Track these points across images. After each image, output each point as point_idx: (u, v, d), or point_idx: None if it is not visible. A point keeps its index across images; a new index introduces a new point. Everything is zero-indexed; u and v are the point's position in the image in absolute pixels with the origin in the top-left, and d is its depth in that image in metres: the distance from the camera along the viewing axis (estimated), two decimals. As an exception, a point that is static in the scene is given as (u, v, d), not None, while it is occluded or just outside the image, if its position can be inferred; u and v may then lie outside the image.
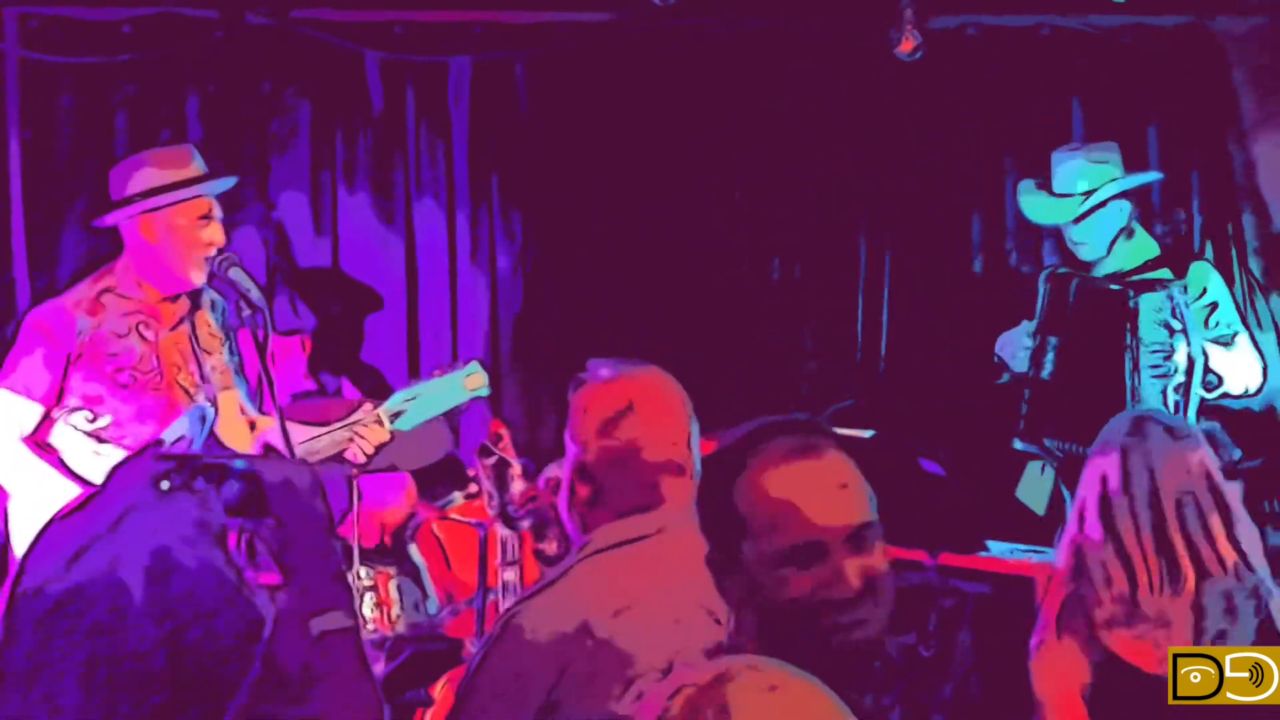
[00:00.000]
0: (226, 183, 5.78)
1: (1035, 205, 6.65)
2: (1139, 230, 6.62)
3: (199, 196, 5.58)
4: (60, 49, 7.02)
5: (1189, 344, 6.26)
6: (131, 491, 2.44)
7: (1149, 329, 6.29)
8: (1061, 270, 6.58)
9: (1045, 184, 6.62)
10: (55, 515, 2.46)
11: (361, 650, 2.76)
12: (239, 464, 2.74)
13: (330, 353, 7.17)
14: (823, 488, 2.64)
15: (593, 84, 7.55)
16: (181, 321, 5.61)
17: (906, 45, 7.02)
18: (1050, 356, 6.43)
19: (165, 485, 2.70)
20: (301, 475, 2.75)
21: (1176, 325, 6.27)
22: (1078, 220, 6.45)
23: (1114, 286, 6.39)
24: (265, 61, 7.27)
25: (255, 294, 5.67)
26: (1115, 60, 7.65)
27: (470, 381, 5.55)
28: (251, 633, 2.41)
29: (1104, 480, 4.24)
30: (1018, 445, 6.58)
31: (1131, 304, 6.30)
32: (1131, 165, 6.76)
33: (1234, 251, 7.61)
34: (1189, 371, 6.27)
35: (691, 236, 7.55)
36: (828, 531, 2.61)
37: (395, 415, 5.47)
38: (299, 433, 5.49)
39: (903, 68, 7.16)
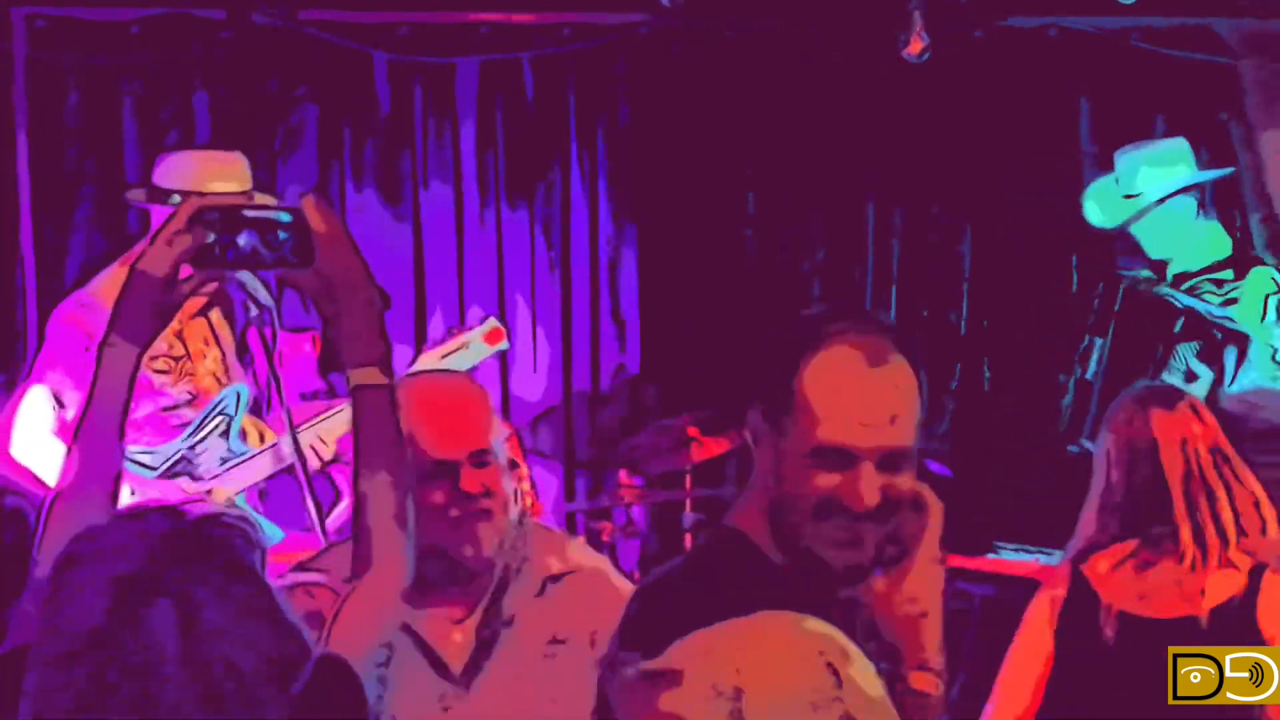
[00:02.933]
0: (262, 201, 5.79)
1: (1101, 207, 6.60)
2: (1213, 227, 6.54)
3: (196, 193, 5.58)
4: (68, 49, 7.03)
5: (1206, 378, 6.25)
6: (163, 540, 2.40)
7: (1183, 349, 6.28)
8: (1121, 272, 6.55)
9: (1112, 181, 6.57)
10: (76, 554, 2.42)
11: (395, 410, 2.77)
12: (283, 215, 2.72)
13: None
14: (874, 404, 2.62)
15: (600, 84, 7.56)
16: (201, 311, 5.63)
17: (914, 47, 7.01)
18: (1095, 357, 6.43)
19: (211, 238, 2.69)
20: (339, 230, 2.74)
21: (1206, 371, 6.25)
22: (1135, 219, 6.42)
23: (1160, 290, 6.36)
24: (272, 62, 7.27)
25: (263, 294, 5.67)
26: (1123, 62, 7.64)
27: (489, 337, 5.57)
28: (285, 677, 2.38)
29: (1111, 459, 4.31)
30: (1071, 449, 6.56)
31: (1176, 327, 6.27)
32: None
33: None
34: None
35: (697, 236, 7.55)
36: (863, 448, 2.61)
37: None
38: (303, 412, 5.52)
39: (910, 69, 7.15)
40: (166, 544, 2.37)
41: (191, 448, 5.56)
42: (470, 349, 5.55)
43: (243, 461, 5.54)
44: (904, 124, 7.57)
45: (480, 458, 3.42)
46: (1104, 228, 6.61)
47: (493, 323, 5.61)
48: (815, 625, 2.09)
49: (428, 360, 5.53)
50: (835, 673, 2.00)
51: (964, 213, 7.72)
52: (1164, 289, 6.35)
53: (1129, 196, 6.45)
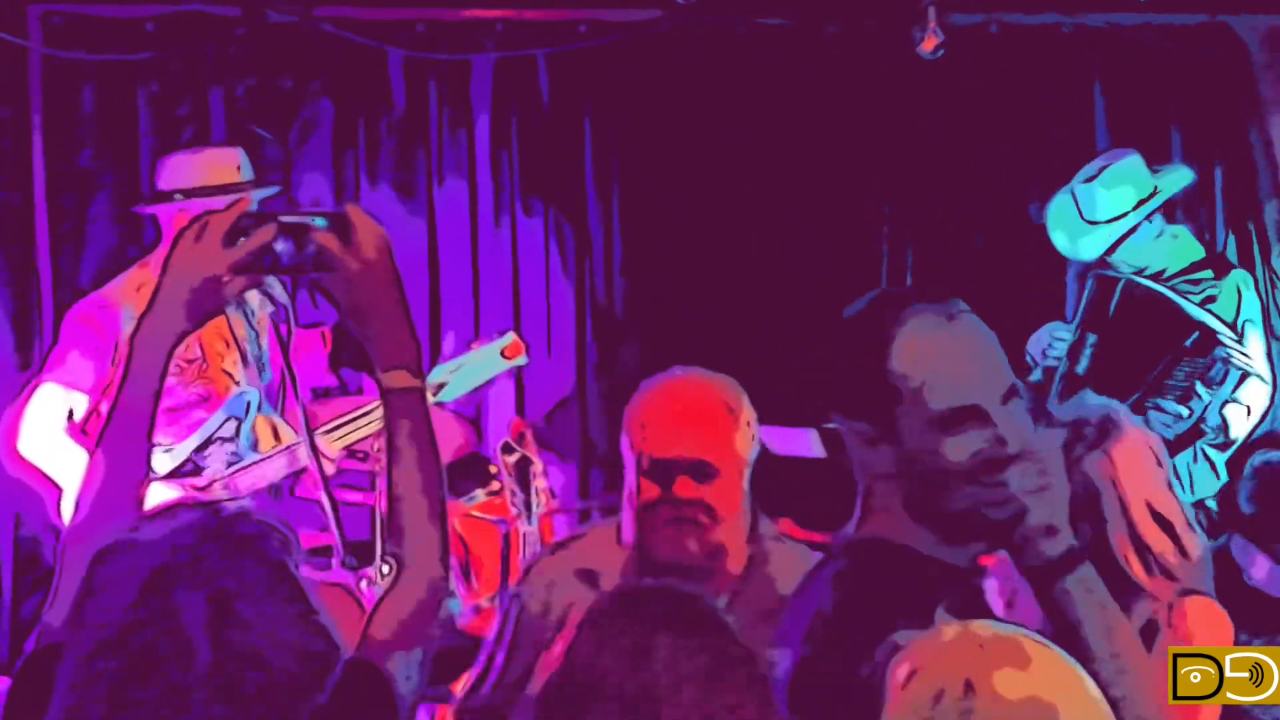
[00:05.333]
0: (264, 193, 5.80)
1: (1068, 239, 6.64)
2: (1184, 232, 6.62)
3: (241, 199, 5.58)
4: (83, 46, 7.04)
5: (1207, 409, 6.26)
6: (197, 536, 2.40)
7: (1185, 372, 6.28)
8: (1109, 272, 6.56)
9: (1072, 210, 6.60)
10: (109, 549, 2.42)
11: (427, 410, 2.77)
12: (318, 221, 2.73)
13: (351, 348, 7.18)
14: (972, 353, 2.73)
15: (616, 81, 7.56)
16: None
17: (929, 43, 7.01)
18: (1088, 353, 6.42)
19: (241, 240, 2.70)
20: (375, 234, 2.74)
21: (1206, 393, 6.25)
22: (1111, 250, 6.46)
23: (1162, 291, 6.38)
24: (287, 59, 7.28)
25: (278, 290, 5.70)
26: (1138, 58, 7.64)
27: (508, 351, 5.57)
28: (315, 676, 2.39)
29: None
30: None
31: (1188, 342, 6.28)
32: (1154, 163, 6.75)
33: (1256, 249, 7.60)
34: (1195, 429, 6.27)
35: (710, 232, 7.55)
36: (984, 395, 2.67)
37: (439, 387, 5.49)
38: (342, 408, 5.53)
39: (925, 65, 7.15)
40: (200, 539, 2.38)
41: (199, 450, 5.57)
42: (486, 363, 5.55)
43: (258, 463, 5.55)
44: (918, 120, 7.57)
45: (701, 469, 3.43)
46: (1083, 260, 6.65)
47: (511, 336, 5.60)
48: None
49: (441, 372, 5.53)
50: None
51: (978, 211, 7.71)
52: (1158, 285, 6.38)
53: (1093, 223, 6.48)
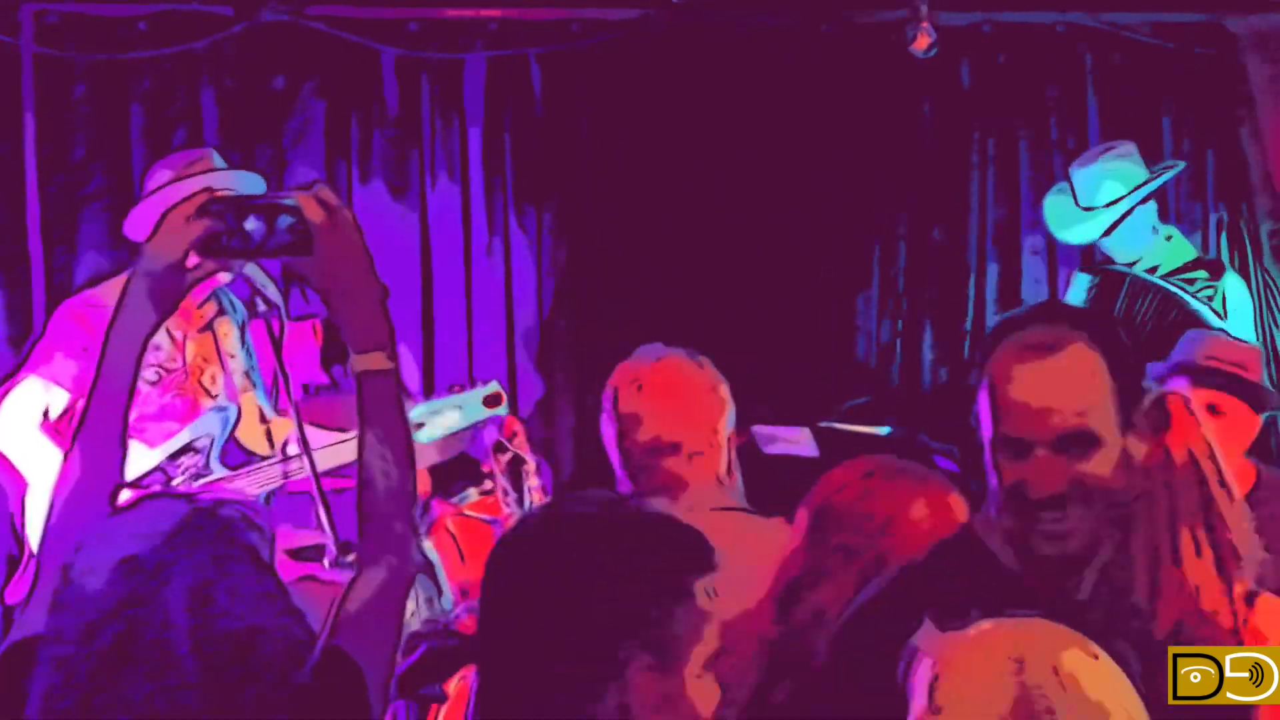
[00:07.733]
0: (237, 177, 5.76)
1: (1063, 225, 6.66)
2: (1176, 233, 6.64)
3: (206, 188, 5.56)
4: (76, 45, 7.04)
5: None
6: (172, 523, 2.41)
7: None
8: (1113, 267, 6.57)
9: (1068, 197, 6.63)
10: (87, 539, 2.43)
11: (400, 393, 2.78)
12: (288, 201, 2.73)
13: (342, 344, 7.17)
14: (1045, 388, 2.67)
15: (609, 80, 7.56)
16: (208, 325, 5.63)
17: (921, 42, 7.00)
18: None
19: (220, 227, 2.70)
20: (345, 215, 2.77)
21: None
22: (1107, 233, 6.48)
23: (1166, 286, 6.39)
24: (280, 57, 7.28)
25: (271, 290, 5.68)
26: (1131, 57, 7.65)
27: (489, 400, 5.56)
28: (293, 658, 2.39)
29: None
30: None
31: None
32: (1147, 160, 6.77)
33: (1249, 249, 7.60)
34: None
35: (707, 232, 7.54)
36: (1034, 431, 2.64)
37: (416, 426, 5.46)
38: (320, 437, 5.51)
39: (918, 64, 7.15)
40: (178, 528, 2.39)
41: (171, 458, 5.55)
42: (468, 409, 5.54)
43: (255, 470, 5.53)
44: (911, 119, 7.58)
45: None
46: (1077, 244, 6.67)
47: (495, 386, 5.60)
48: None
49: (421, 412, 5.51)
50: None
51: (971, 209, 7.71)
52: (1164, 282, 6.39)
53: (1089, 209, 6.51)
